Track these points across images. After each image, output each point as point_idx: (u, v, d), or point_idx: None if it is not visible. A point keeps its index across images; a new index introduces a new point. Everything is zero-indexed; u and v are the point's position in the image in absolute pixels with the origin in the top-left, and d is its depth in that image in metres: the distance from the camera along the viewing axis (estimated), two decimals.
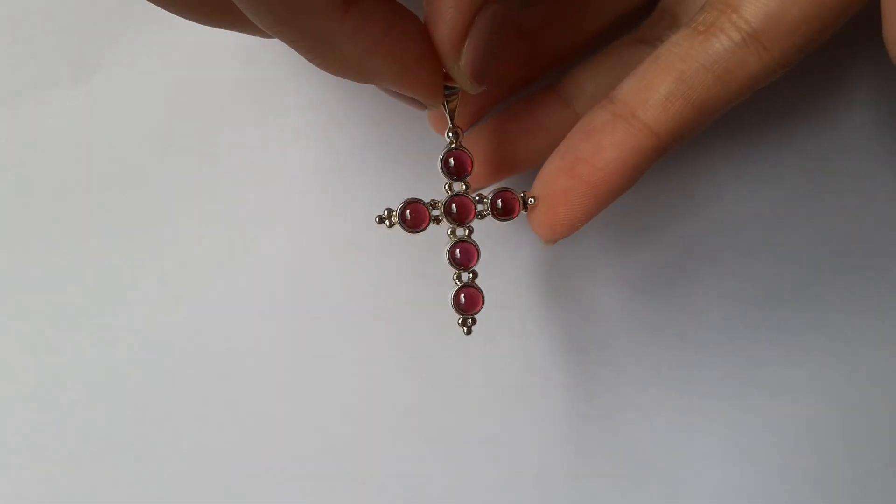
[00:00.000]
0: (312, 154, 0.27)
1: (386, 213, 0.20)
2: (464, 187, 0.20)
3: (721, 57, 0.18)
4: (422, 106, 0.20)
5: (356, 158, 0.27)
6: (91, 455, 0.26)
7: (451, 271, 0.21)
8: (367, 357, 0.27)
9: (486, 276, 0.28)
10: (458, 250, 0.20)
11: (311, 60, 0.18)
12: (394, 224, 0.20)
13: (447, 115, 0.20)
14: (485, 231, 0.21)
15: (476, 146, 0.23)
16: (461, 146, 0.20)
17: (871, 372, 0.26)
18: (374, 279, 0.27)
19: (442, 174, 0.20)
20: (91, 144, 0.27)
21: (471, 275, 0.21)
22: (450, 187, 0.20)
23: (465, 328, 0.21)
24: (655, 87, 0.18)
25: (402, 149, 0.27)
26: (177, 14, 0.18)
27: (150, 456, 0.26)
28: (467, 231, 0.21)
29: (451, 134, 0.20)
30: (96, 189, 0.27)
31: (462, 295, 0.20)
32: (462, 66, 0.18)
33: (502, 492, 0.26)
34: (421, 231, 0.20)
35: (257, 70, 0.27)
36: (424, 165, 0.27)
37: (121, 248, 0.26)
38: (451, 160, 0.20)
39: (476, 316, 0.21)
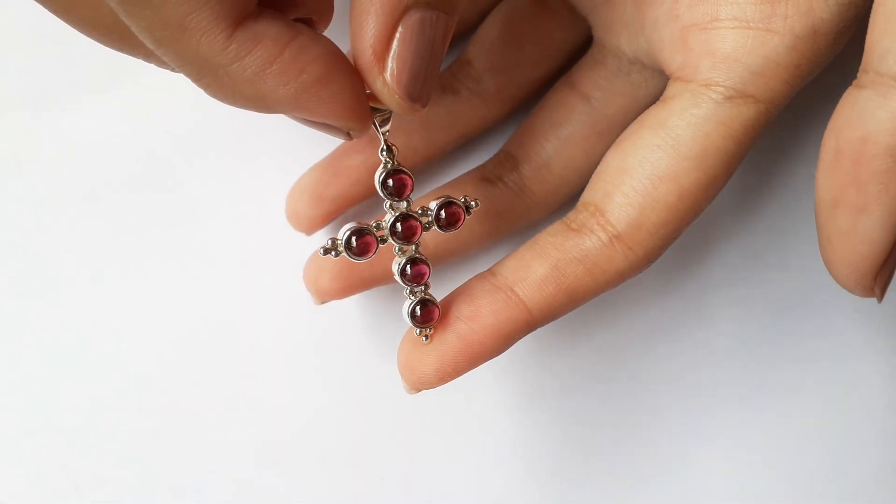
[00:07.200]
0: None
1: (330, 243, 0.19)
2: (405, 204, 0.20)
3: (591, 252, 0.20)
4: (347, 136, 0.18)
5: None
6: (111, 449, 0.26)
7: (404, 287, 0.20)
8: (381, 356, 0.27)
9: None
10: (408, 269, 0.20)
11: (203, 89, 0.16)
12: (340, 254, 0.19)
13: (379, 135, 0.19)
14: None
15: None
16: (398, 165, 0.19)
17: (878, 376, 0.27)
18: None
19: (381, 194, 0.19)
20: (121, 147, 0.27)
21: (423, 287, 0.20)
22: (391, 206, 0.20)
23: (426, 337, 0.20)
24: (533, 269, 0.20)
25: None
26: (81, 32, 0.17)
27: (167, 451, 0.26)
28: (415, 248, 0.20)
29: (384, 153, 0.19)
30: (126, 191, 0.27)
31: (418, 308, 0.20)
32: (389, 79, 0.17)
33: (515, 493, 0.27)
34: (370, 257, 0.20)
35: None
36: (441, 166, 0.27)
37: (149, 250, 0.27)
38: (391, 182, 0.19)
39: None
